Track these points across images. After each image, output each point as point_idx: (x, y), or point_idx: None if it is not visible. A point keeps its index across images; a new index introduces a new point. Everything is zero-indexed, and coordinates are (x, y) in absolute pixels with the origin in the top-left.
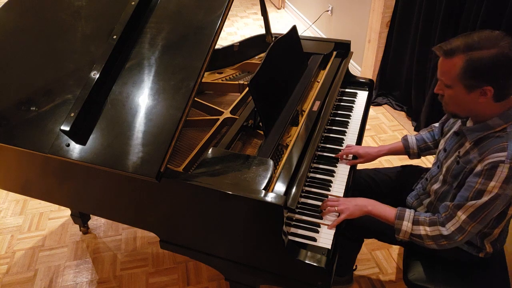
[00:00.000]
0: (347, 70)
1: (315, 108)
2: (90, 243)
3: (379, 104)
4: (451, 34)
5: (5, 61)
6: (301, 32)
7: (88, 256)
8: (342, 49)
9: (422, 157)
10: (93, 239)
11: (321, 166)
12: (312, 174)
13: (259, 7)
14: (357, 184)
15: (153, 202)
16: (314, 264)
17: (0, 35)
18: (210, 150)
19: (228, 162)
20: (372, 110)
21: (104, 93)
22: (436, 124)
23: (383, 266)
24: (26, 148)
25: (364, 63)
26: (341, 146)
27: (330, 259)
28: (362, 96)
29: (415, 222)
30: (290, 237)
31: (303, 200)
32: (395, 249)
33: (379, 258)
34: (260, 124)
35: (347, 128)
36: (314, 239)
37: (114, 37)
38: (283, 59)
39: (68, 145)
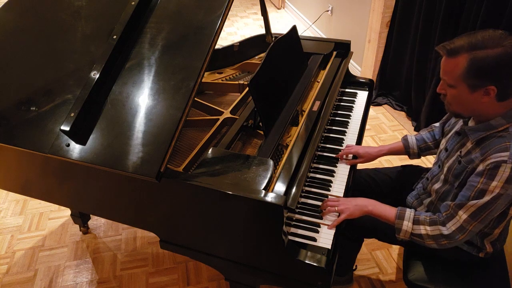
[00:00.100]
0: (347, 70)
1: (315, 108)
2: (90, 243)
3: (379, 104)
4: (451, 34)
5: (5, 61)
6: (301, 32)
7: (88, 256)
8: (342, 49)
9: (422, 157)
10: (93, 239)
11: (321, 166)
12: (312, 174)
13: (259, 7)
14: (357, 184)
15: (153, 202)
16: (314, 264)
17: (0, 35)
18: (210, 150)
19: (228, 162)
20: (372, 110)
21: (104, 93)
22: (436, 124)
23: (383, 266)
24: (26, 148)
25: (364, 63)
26: (341, 146)
27: (330, 259)
28: (362, 96)
29: (416, 221)
30: (290, 237)
31: (303, 200)
32: (395, 249)
33: (379, 258)
34: (260, 124)
35: (347, 128)
36: (314, 239)
37: (114, 37)
38: (283, 59)
39: (68, 145)
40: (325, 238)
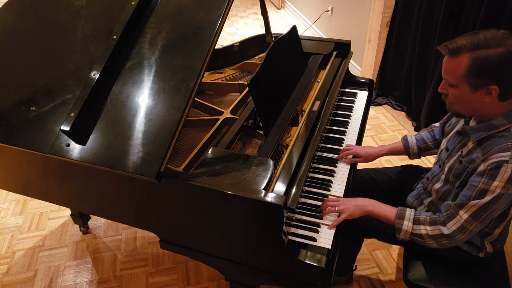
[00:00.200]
0: (347, 70)
1: (315, 108)
2: (90, 243)
3: (379, 104)
4: (451, 34)
5: (5, 61)
6: (301, 32)
7: (88, 256)
8: (342, 49)
9: (422, 157)
10: (93, 239)
11: (321, 166)
12: (312, 174)
13: (259, 7)
14: (357, 184)
15: (153, 202)
16: (314, 264)
17: (0, 35)
18: (210, 150)
19: (228, 162)
20: (372, 110)
21: (104, 93)
22: (436, 124)
23: (383, 266)
24: (26, 148)
25: (364, 63)
26: (341, 146)
27: (330, 259)
28: (362, 96)
29: (416, 221)
30: (290, 237)
31: (303, 200)
32: (395, 249)
33: (379, 258)
34: (260, 124)
35: (347, 128)
36: (314, 239)
37: (114, 37)
38: (283, 59)
39: (68, 145)
40: (325, 238)
